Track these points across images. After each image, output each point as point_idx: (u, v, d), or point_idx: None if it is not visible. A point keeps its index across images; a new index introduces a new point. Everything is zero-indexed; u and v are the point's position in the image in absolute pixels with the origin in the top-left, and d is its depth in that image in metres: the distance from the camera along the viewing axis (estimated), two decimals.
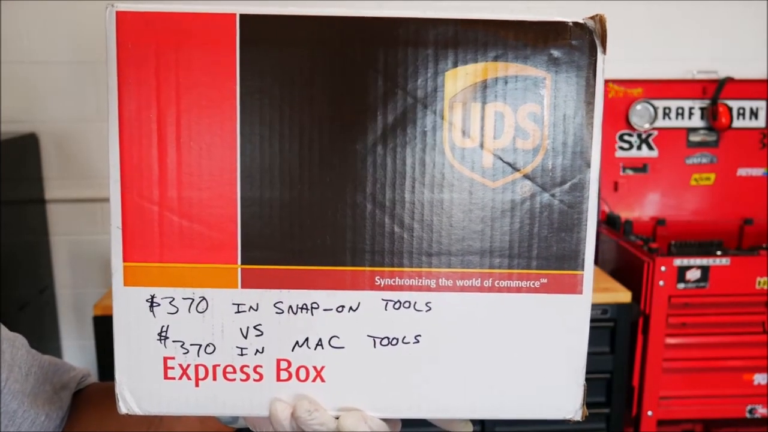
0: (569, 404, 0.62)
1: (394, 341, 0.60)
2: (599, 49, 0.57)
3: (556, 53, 0.57)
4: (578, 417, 0.62)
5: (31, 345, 0.86)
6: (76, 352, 2.75)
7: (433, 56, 0.57)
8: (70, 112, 2.55)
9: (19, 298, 2.37)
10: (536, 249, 0.59)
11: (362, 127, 0.57)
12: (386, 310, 0.59)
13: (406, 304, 0.59)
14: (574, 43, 0.57)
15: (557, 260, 0.59)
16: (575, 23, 0.57)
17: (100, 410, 0.84)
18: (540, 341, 0.60)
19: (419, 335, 0.60)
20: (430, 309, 0.59)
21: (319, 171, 0.58)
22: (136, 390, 0.61)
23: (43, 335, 2.60)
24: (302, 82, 0.57)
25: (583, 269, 0.60)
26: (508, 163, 0.58)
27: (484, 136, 0.57)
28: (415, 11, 0.56)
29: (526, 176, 0.58)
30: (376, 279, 0.59)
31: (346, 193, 0.58)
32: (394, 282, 0.59)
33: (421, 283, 0.59)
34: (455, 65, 0.57)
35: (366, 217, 0.58)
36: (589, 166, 0.58)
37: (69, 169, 2.61)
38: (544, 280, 0.60)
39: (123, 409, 0.61)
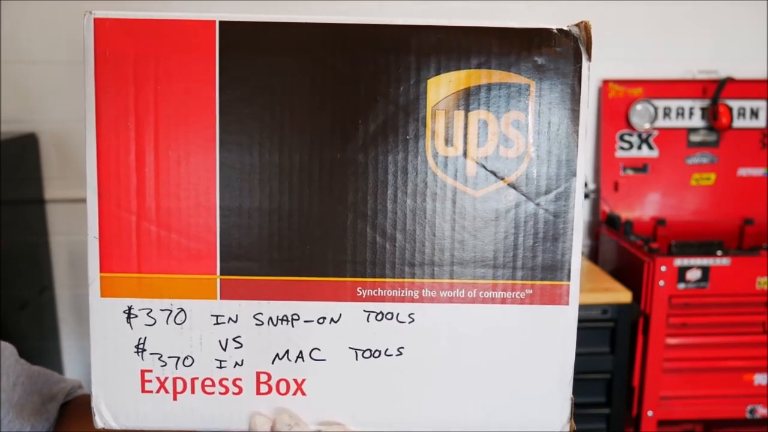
0: (556, 418, 0.60)
1: (377, 353, 0.59)
2: (584, 56, 0.56)
3: (540, 60, 0.56)
4: (566, 430, 0.61)
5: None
6: (76, 353, 2.74)
7: (416, 63, 0.56)
8: (70, 112, 2.54)
9: (19, 298, 2.36)
10: (521, 259, 0.58)
11: (343, 135, 0.56)
12: (368, 321, 0.58)
13: (389, 316, 0.58)
14: (559, 50, 0.56)
15: (543, 270, 0.58)
16: (560, 30, 0.56)
17: (86, 422, 0.83)
18: (525, 353, 0.59)
19: (402, 347, 0.59)
20: (413, 320, 0.58)
21: (299, 180, 0.57)
22: (113, 404, 0.60)
23: (43, 335, 2.59)
24: (283, 90, 0.56)
25: (569, 280, 0.59)
26: (492, 172, 0.57)
27: (468, 145, 0.56)
28: (398, 18, 0.55)
29: (511, 185, 0.57)
30: (358, 290, 0.58)
31: (327, 203, 0.57)
32: (376, 293, 0.58)
33: (404, 294, 0.58)
34: (438, 72, 0.56)
35: (347, 227, 0.57)
36: (574, 174, 0.57)
37: (69, 169, 2.60)
38: (530, 291, 0.58)
39: (99, 423, 0.60)
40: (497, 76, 0.56)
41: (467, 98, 0.56)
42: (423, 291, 0.58)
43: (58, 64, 2.52)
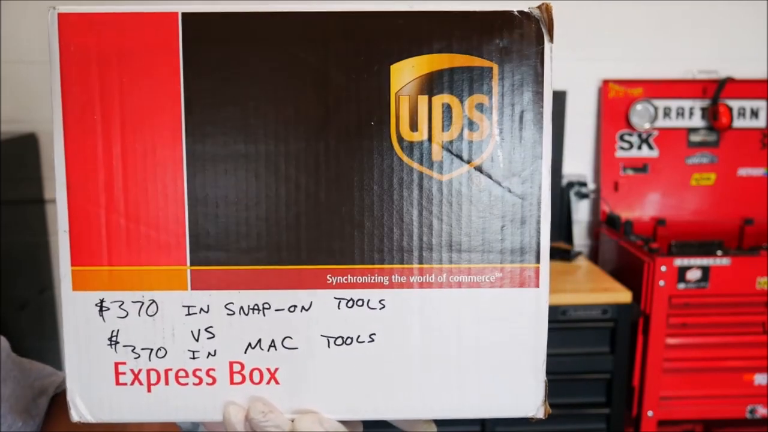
0: (530, 402, 0.60)
1: (349, 341, 0.59)
2: (546, 38, 0.56)
3: (502, 43, 0.56)
4: (540, 415, 0.60)
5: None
6: None
7: (378, 50, 0.56)
8: None
9: (19, 298, 2.36)
10: (489, 242, 0.58)
11: (308, 123, 0.57)
12: (339, 308, 0.58)
13: (360, 302, 0.58)
14: (521, 33, 0.56)
15: (512, 253, 0.58)
16: (521, 12, 0.56)
17: None
18: (497, 337, 0.59)
19: (374, 334, 0.59)
20: (384, 306, 0.58)
21: (266, 170, 0.57)
22: (88, 397, 0.60)
23: (43, 335, 2.60)
24: (247, 80, 0.56)
25: (539, 262, 0.58)
26: (458, 156, 0.57)
27: (432, 129, 0.56)
28: (359, 4, 0.56)
29: (477, 168, 0.57)
30: (328, 277, 0.58)
31: (294, 191, 0.57)
32: (346, 280, 0.58)
33: (374, 280, 0.58)
34: (401, 58, 0.56)
35: (315, 215, 0.57)
36: (540, 157, 0.57)
37: None
38: (499, 275, 0.58)
39: (75, 417, 0.60)
40: (460, 60, 0.56)
41: (431, 83, 0.56)
42: (393, 277, 0.58)
43: None
